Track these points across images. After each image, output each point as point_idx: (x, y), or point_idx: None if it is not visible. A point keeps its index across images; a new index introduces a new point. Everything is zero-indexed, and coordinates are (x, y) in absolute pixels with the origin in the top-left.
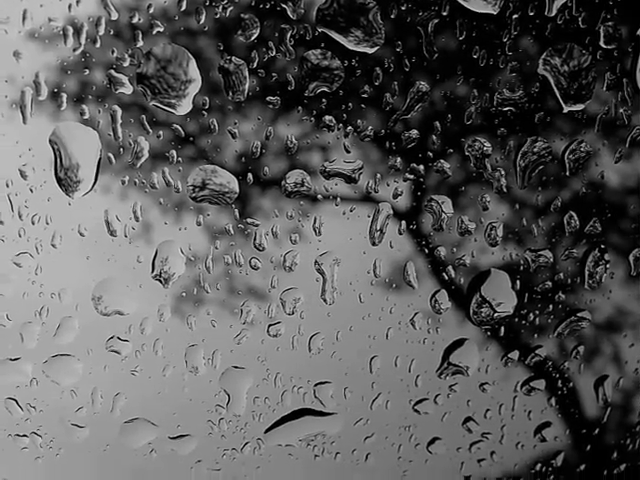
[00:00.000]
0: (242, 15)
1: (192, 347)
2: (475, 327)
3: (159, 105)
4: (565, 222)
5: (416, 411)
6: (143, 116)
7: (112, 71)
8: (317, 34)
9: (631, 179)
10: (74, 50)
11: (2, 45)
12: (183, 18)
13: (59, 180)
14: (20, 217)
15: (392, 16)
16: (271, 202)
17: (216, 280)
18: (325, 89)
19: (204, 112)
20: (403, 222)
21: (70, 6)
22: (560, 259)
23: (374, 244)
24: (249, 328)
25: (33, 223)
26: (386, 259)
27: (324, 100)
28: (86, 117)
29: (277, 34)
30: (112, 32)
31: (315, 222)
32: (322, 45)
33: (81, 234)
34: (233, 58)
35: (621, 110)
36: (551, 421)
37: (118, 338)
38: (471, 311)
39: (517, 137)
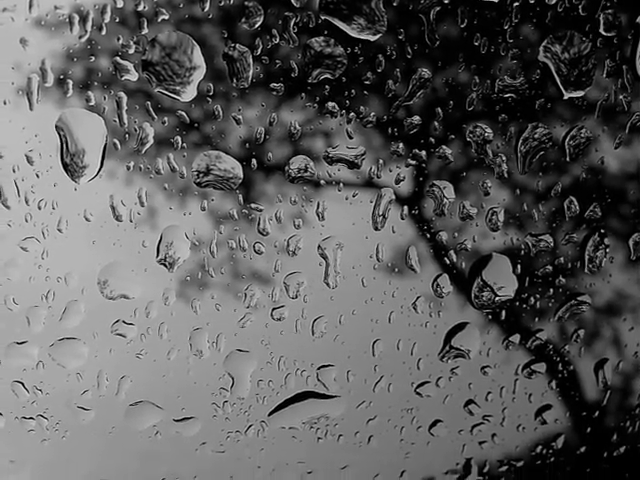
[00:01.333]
0: (246, 3)
1: (197, 330)
2: (476, 311)
3: (164, 92)
4: (565, 207)
5: (418, 394)
6: (148, 103)
7: (117, 58)
8: (320, 22)
9: (631, 165)
10: (80, 37)
11: (9, 32)
12: (188, 6)
13: (65, 166)
14: (27, 202)
15: (394, 4)
16: (275, 187)
17: (220, 264)
18: (328, 76)
19: (208, 99)
20: (405, 207)
21: None
22: (560, 244)
23: (377, 229)
24: (253, 312)
25: (39, 208)
26: (388, 244)
27: (327, 87)
28: (92, 103)
29: (281, 22)
30: (117, 20)
31: (318, 207)
32: (325, 32)
33: (87, 219)
34: (237, 45)
35: (621, 97)
36: (552, 404)
37: (123, 322)
38: (472, 295)
39: (518, 123)
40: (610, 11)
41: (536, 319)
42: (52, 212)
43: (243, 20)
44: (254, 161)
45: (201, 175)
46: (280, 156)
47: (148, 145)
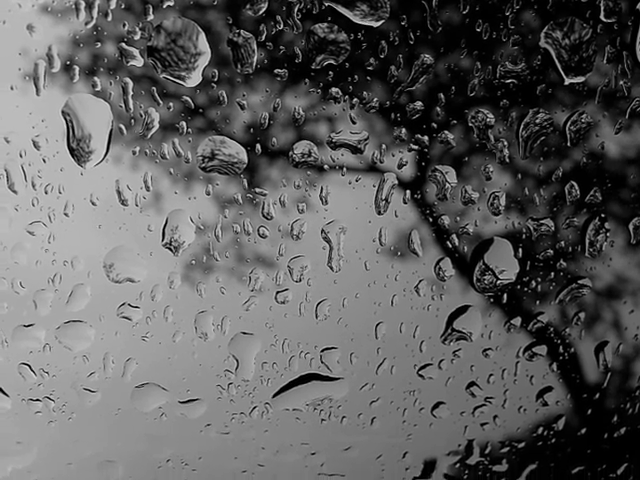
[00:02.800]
0: None
1: (201, 313)
2: (478, 294)
3: (169, 77)
4: (566, 191)
5: (420, 376)
6: (154, 88)
7: (123, 44)
8: (324, 8)
9: (631, 150)
10: (86, 23)
11: (16, 18)
12: None
13: (71, 150)
14: (33, 187)
15: None
16: (279, 172)
17: (225, 248)
18: (331, 62)
19: (213, 84)
20: (408, 191)
21: None
22: (561, 228)
23: (379, 213)
24: (257, 295)
25: (46, 192)
26: (391, 228)
27: (331, 72)
28: (98, 89)
29: (285, 8)
30: (123, 6)
31: (322, 192)
32: (329, 19)
33: (93, 203)
34: (242, 31)
35: (621, 82)
36: (553, 386)
37: (129, 305)
38: (474, 278)
39: (519, 109)
40: None
41: (537, 302)
42: (59, 196)
43: (247, 6)
44: (258, 146)
45: (206, 160)
46: (284, 141)
47: (153, 130)
